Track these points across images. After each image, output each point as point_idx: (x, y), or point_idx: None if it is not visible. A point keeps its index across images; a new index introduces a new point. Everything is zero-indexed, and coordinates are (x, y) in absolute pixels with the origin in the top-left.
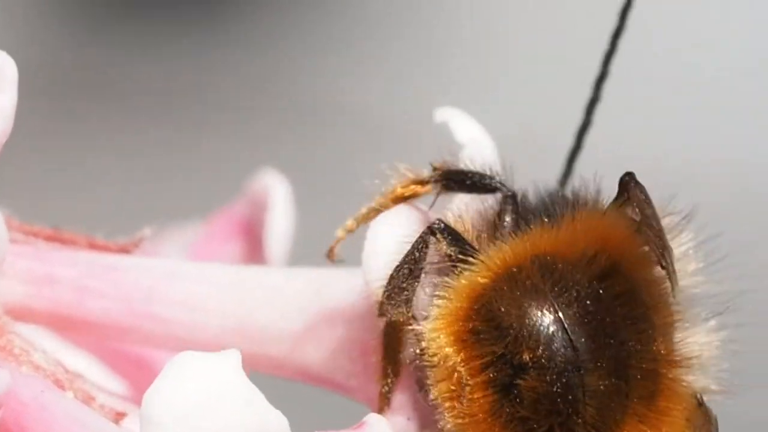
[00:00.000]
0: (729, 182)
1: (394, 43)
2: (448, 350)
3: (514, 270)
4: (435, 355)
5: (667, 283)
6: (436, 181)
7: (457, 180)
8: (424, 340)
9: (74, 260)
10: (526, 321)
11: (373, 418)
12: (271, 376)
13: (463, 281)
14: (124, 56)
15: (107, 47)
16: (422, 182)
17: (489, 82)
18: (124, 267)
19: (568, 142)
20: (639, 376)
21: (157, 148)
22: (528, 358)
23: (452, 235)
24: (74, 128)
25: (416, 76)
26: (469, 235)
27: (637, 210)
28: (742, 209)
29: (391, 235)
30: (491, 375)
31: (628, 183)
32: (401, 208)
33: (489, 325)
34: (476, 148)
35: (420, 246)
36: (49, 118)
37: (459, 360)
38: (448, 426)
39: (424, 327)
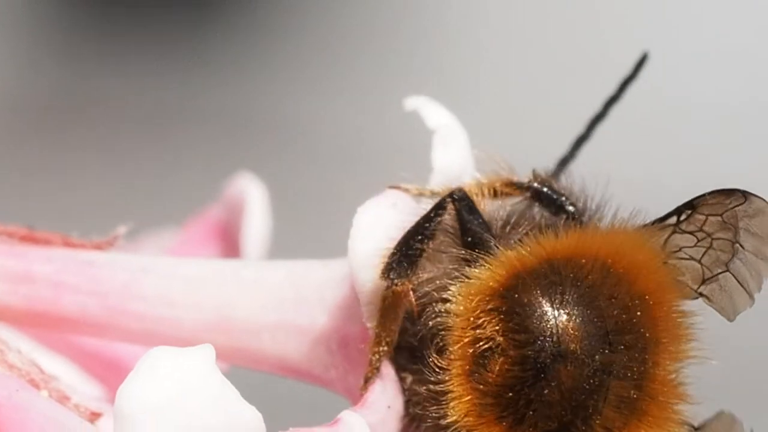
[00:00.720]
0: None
1: (375, 62)
2: (487, 317)
3: (576, 260)
4: (467, 317)
5: (688, 320)
6: (530, 188)
7: (546, 195)
8: (454, 301)
9: (50, 257)
10: (580, 313)
11: (348, 415)
12: (250, 370)
13: (513, 254)
14: (98, 71)
15: (82, 62)
16: (518, 186)
17: (468, 105)
18: (99, 263)
19: (545, 165)
20: (650, 397)
21: (132, 157)
22: (573, 348)
23: (473, 207)
24: (49, 138)
25: (397, 98)
26: (493, 214)
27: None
28: None
29: (379, 222)
30: (530, 353)
31: (699, 199)
32: (390, 195)
33: (539, 304)
34: (447, 134)
35: (436, 211)
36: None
37: (499, 329)
38: (457, 390)
39: (455, 287)
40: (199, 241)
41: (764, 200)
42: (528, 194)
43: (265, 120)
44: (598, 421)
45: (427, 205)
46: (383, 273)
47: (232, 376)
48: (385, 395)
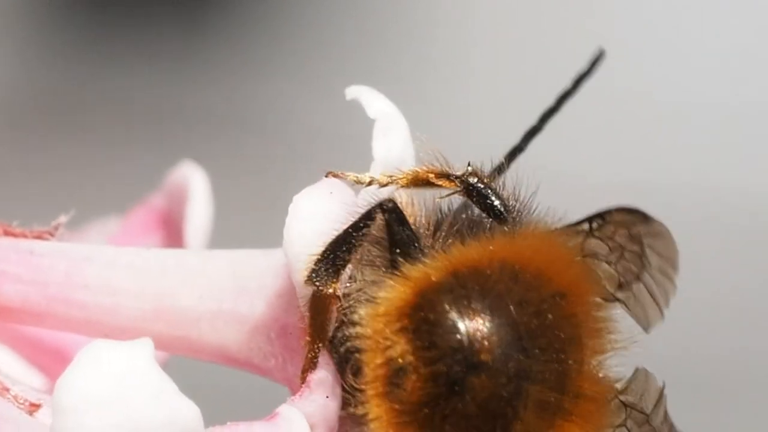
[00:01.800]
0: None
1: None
2: (393, 336)
3: (482, 270)
4: (377, 339)
5: (605, 313)
6: (463, 182)
7: (479, 191)
8: (363, 324)
9: None
10: (489, 322)
11: (286, 409)
12: (191, 360)
13: (418, 270)
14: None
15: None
16: (450, 177)
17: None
18: (40, 252)
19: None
20: (572, 394)
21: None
22: (485, 359)
23: (401, 218)
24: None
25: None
26: (418, 222)
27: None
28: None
29: (315, 210)
30: (443, 368)
31: (606, 213)
32: (326, 183)
33: (447, 319)
34: (387, 123)
35: (364, 221)
36: None
37: (408, 348)
38: (375, 412)
39: (364, 309)
40: (141, 230)
41: (663, 225)
42: (460, 188)
43: (212, 111)
44: (519, 428)
45: (363, 194)
46: (308, 278)
47: (171, 367)
48: (324, 386)
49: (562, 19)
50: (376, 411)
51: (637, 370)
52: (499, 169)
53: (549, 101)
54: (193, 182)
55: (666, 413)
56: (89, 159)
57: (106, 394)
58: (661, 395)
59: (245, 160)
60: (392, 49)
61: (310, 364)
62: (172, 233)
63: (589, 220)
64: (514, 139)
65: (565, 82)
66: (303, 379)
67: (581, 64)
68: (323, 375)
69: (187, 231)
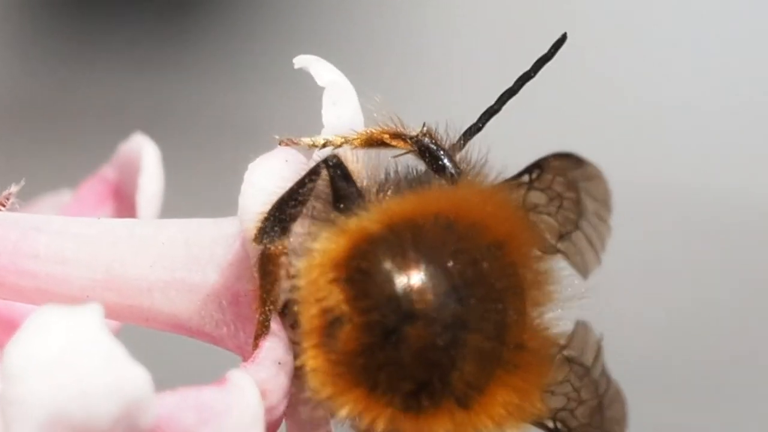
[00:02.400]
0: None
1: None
2: (328, 287)
3: (417, 221)
4: (311, 290)
5: (545, 264)
6: (417, 142)
7: (432, 151)
8: (299, 275)
9: None
10: (424, 272)
11: (236, 374)
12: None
13: (354, 222)
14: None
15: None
16: (404, 137)
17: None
18: None
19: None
20: (513, 345)
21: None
22: (419, 308)
23: (345, 174)
24: None
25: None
26: (363, 180)
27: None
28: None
29: (270, 178)
30: (377, 317)
31: (544, 161)
32: (281, 151)
33: (381, 269)
34: (337, 92)
35: (309, 177)
36: None
37: (342, 298)
38: (311, 363)
39: (300, 262)
40: (93, 201)
41: (595, 167)
42: (414, 148)
43: (169, 91)
44: (457, 378)
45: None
46: (257, 237)
47: (123, 334)
48: (275, 351)
49: None
50: (312, 362)
51: (577, 324)
52: (456, 146)
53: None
54: (145, 153)
55: (604, 366)
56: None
57: (54, 359)
58: (599, 348)
59: (202, 135)
60: (380, 51)
61: (262, 329)
62: (124, 205)
63: (528, 170)
64: (473, 116)
65: (524, 63)
66: (255, 345)
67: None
68: (275, 340)
69: (139, 202)
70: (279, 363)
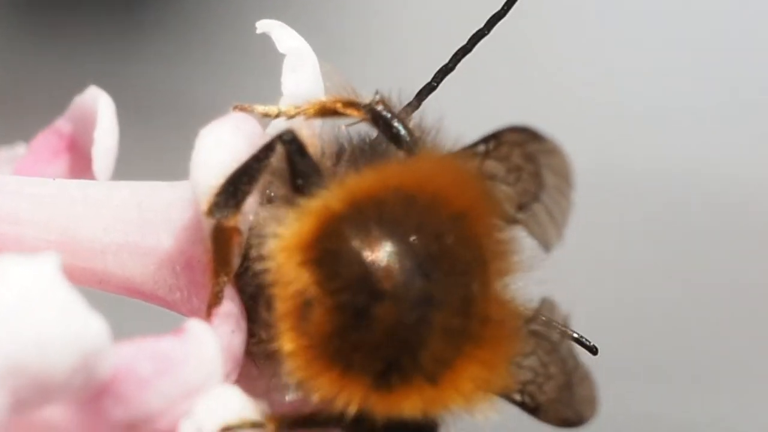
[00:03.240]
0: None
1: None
2: (298, 270)
3: (378, 197)
4: (282, 274)
5: (507, 234)
6: (370, 110)
7: (385, 120)
8: (268, 259)
9: None
10: (389, 251)
11: (193, 324)
12: None
13: (317, 202)
14: None
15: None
16: (357, 106)
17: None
18: None
19: None
20: (479, 318)
21: None
22: (387, 287)
23: (301, 149)
24: None
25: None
26: (321, 156)
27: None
28: None
29: (223, 144)
30: (347, 298)
31: (500, 132)
32: (235, 118)
33: (347, 249)
34: (297, 59)
35: (265, 152)
36: None
37: (312, 280)
38: (287, 347)
39: (268, 245)
40: (47, 155)
41: (554, 142)
42: (367, 116)
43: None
44: (426, 354)
45: (271, 128)
46: (209, 211)
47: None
48: (229, 320)
49: None
50: (289, 346)
51: (543, 300)
52: (410, 106)
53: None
54: (100, 106)
55: (570, 345)
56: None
57: (9, 308)
58: (566, 326)
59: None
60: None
61: (215, 299)
62: (79, 158)
63: (485, 140)
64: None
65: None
66: (208, 313)
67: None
68: (229, 308)
69: (95, 156)
70: (232, 332)
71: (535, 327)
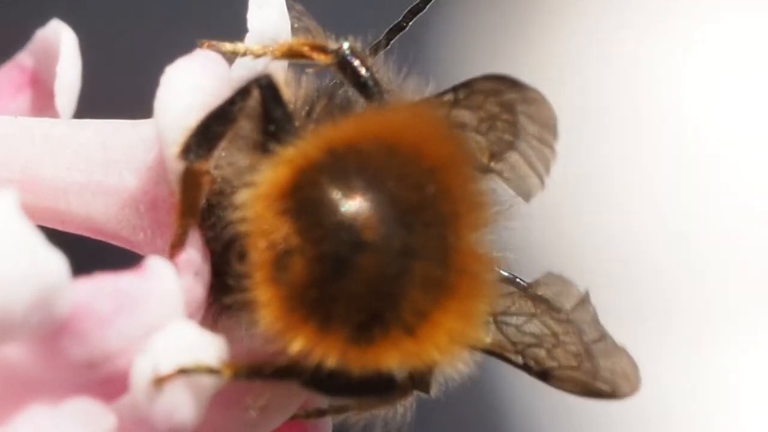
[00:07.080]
0: None
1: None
2: (276, 219)
3: (357, 146)
4: (259, 223)
5: (482, 185)
6: (337, 55)
7: (352, 66)
8: (244, 208)
9: None
10: (372, 201)
11: (155, 261)
12: None
13: (294, 151)
14: None
15: None
16: (325, 50)
17: None
18: None
19: None
20: (456, 270)
21: None
22: (370, 238)
23: (276, 96)
24: None
25: None
26: (295, 103)
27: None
28: None
29: (188, 83)
30: (328, 248)
31: (473, 81)
32: (201, 55)
33: (329, 199)
34: (266, 15)
35: (240, 95)
36: None
37: (292, 230)
38: (263, 297)
39: (243, 194)
40: (9, 89)
41: (536, 90)
42: (335, 61)
43: None
44: (406, 305)
45: (237, 67)
46: (181, 152)
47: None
48: (192, 263)
49: None
50: (264, 296)
51: (548, 274)
52: (378, 46)
53: None
54: (63, 40)
55: (594, 317)
56: None
57: None
58: (584, 298)
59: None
60: None
61: (179, 241)
62: (41, 93)
63: (455, 89)
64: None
65: None
66: (171, 255)
67: None
68: (191, 253)
69: (57, 90)
70: (195, 274)
71: (538, 291)
